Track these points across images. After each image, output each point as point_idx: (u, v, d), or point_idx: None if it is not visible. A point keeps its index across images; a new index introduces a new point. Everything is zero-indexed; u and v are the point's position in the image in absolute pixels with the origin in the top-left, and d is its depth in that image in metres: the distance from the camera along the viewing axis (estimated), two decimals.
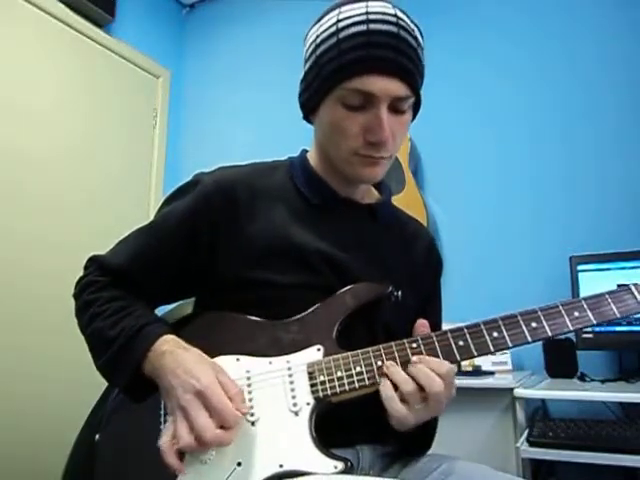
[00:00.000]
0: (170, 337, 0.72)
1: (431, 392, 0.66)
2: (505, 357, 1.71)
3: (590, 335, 1.62)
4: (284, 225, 0.80)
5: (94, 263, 0.83)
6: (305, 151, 0.91)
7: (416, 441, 0.82)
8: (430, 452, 0.84)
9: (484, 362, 1.68)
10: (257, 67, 2.67)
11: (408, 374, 0.67)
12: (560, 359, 1.64)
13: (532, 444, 1.28)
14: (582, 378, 1.59)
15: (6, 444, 1.83)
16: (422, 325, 0.74)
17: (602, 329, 1.60)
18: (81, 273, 0.84)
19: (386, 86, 0.73)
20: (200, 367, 0.67)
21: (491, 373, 1.67)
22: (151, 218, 0.86)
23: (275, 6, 2.68)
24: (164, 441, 0.63)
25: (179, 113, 2.83)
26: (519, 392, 1.39)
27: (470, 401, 1.46)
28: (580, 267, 1.67)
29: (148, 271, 0.80)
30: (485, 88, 2.13)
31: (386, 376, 0.68)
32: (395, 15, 0.74)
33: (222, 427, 0.63)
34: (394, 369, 0.68)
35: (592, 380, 1.57)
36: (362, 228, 0.86)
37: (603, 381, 1.55)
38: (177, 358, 0.68)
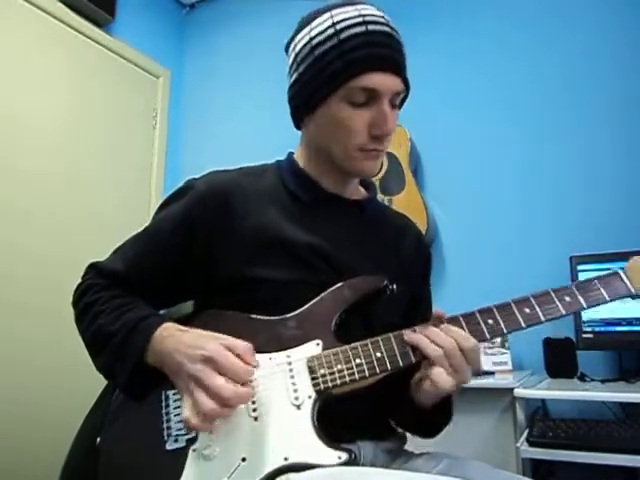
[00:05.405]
0: (169, 324, 0.74)
1: (466, 348, 0.69)
2: (505, 357, 1.71)
3: (590, 335, 1.62)
4: (276, 222, 0.81)
5: (93, 269, 0.84)
6: (291, 153, 0.93)
7: (432, 420, 0.83)
8: (431, 451, 0.84)
9: (484, 362, 1.68)
10: (257, 67, 2.67)
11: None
12: (560, 359, 1.64)
13: (532, 444, 1.28)
14: (582, 378, 1.59)
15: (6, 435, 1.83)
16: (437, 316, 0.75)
17: (602, 329, 1.60)
18: (79, 280, 0.84)
19: (388, 82, 0.77)
20: (202, 338, 0.68)
21: (491, 373, 1.66)
22: (150, 219, 0.86)
23: (275, 6, 2.68)
24: (186, 414, 0.63)
25: (179, 113, 2.84)
26: (519, 392, 1.39)
27: (470, 401, 1.46)
28: (580, 267, 1.67)
29: (147, 276, 0.81)
30: (485, 89, 2.13)
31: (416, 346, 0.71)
32: (384, 17, 0.80)
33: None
34: (430, 330, 0.71)
35: (592, 380, 1.57)
36: (352, 223, 0.88)
37: (603, 381, 1.55)
38: (178, 339, 0.70)
